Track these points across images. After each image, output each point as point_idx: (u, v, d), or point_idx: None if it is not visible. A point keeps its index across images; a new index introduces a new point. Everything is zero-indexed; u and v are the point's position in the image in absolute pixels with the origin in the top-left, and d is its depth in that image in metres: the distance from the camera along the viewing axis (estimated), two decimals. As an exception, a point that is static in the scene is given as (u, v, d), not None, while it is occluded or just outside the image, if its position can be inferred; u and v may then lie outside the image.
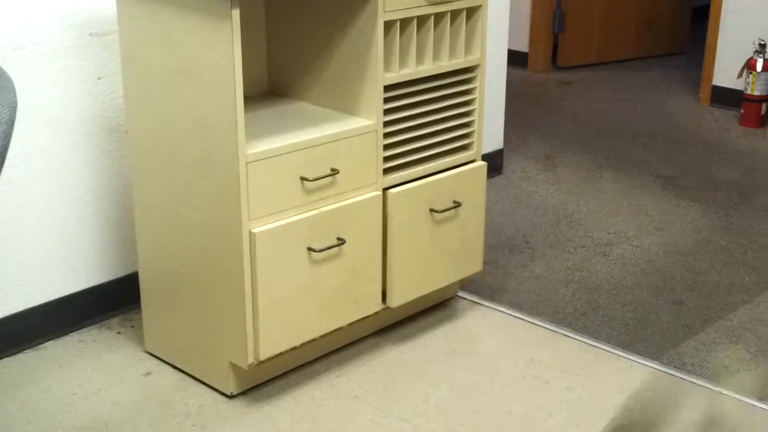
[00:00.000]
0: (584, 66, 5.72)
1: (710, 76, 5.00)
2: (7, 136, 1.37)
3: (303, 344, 2.42)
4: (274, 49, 2.64)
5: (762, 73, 4.60)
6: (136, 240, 2.54)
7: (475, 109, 2.68)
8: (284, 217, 2.27)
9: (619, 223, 3.55)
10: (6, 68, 2.45)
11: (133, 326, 2.73)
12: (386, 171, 2.49)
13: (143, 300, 2.57)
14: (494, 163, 3.91)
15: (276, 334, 2.32)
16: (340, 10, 2.41)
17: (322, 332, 2.44)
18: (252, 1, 2.56)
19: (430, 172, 2.60)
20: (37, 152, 2.56)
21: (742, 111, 4.71)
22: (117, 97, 2.65)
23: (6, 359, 2.57)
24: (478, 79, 2.66)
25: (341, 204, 2.38)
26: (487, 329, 2.78)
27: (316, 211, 2.33)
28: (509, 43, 3.92)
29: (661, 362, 2.61)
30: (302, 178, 2.28)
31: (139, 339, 2.64)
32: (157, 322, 2.54)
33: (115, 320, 2.77)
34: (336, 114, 2.48)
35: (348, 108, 2.48)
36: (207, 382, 2.45)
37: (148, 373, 2.52)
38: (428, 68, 2.53)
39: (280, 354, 2.37)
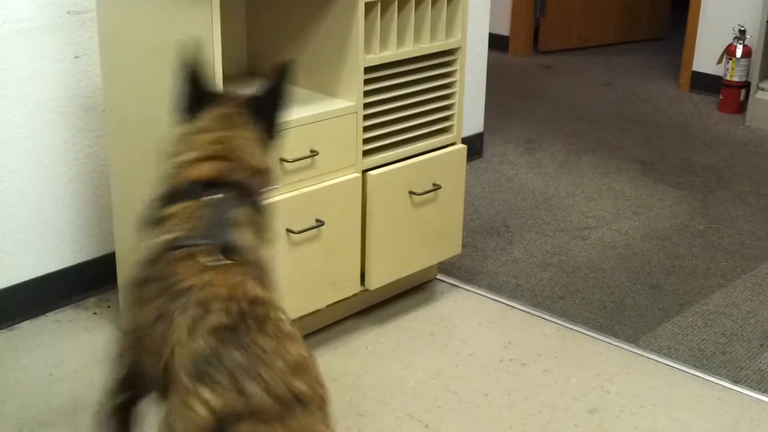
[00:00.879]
0: (565, 50, 5.72)
1: (690, 62, 5.01)
2: None
3: (281, 326, 2.41)
4: (253, 29, 2.62)
5: (741, 60, 4.62)
6: (113, 220, 2.52)
7: (455, 92, 2.67)
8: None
9: (597, 207, 3.56)
10: (-19, 45, 2.42)
11: (109, 306, 2.72)
12: (366, 153, 2.48)
13: (120, 280, 2.55)
14: (474, 146, 3.91)
15: (254, 316, 2.31)
16: (321, -9, 2.40)
17: (301, 314, 2.44)
18: (232, -20, 2.54)
19: (410, 154, 2.60)
20: (13, 131, 2.53)
21: (721, 97, 4.73)
22: (94, 76, 2.62)
23: (-19, 339, 2.56)
24: (458, 62, 2.65)
25: (320, 185, 2.37)
26: (465, 312, 2.78)
27: (295, 193, 2.32)
28: (490, 26, 3.91)
29: (638, 345, 2.63)
30: (281, 159, 2.27)
31: (116, 319, 2.62)
32: (135, 302, 2.53)
33: (91, 300, 2.76)
34: (316, 95, 2.47)
35: (328, 89, 2.46)
36: (184, 363, 2.44)
37: (125, 354, 2.51)
38: (409, 50, 2.52)
39: (258, 335, 2.36)
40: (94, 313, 2.70)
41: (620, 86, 5.11)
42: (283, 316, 1.42)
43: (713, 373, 2.51)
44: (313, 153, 2.34)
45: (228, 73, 2.35)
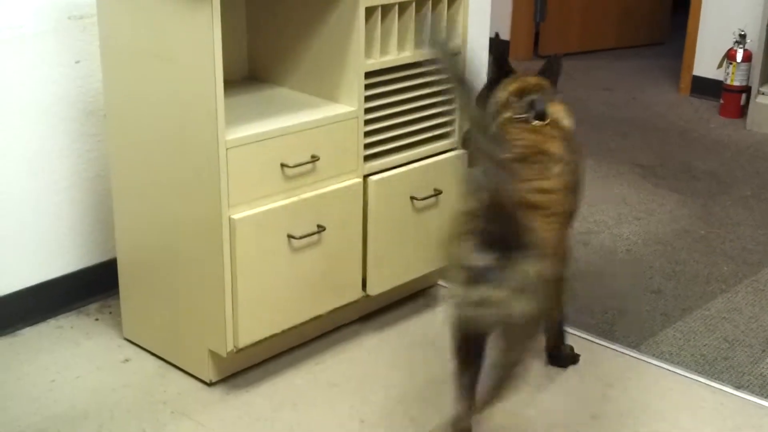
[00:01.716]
0: (565, 55, 5.71)
1: (690, 66, 5.01)
2: None
3: (282, 332, 2.41)
4: (254, 34, 2.62)
5: (742, 64, 4.62)
6: (114, 225, 2.52)
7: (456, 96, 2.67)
8: (264, 203, 2.26)
9: (598, 212, 3.56)
10: (-18, 51, 2.42)
11: (111, 313, 2.72)
12: (367, 158, 2.48)
13: (121, 286, 2.55)
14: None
15: (255, 322, 2.31)
16: (322, -4, 2.40)
17: (302, 320, 2.43)
18: (233, -14, 2.54)
19: (411, 159, 2.60)
20: (14, 136, 2.53)
21: (721, 101, 4.73)
22: (95, 81, 2.62)
23: (-18, 345, 2.56)
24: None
25: (321, 191, 2.37)
26: (466, 317, 2.78)
27: (296, 198, 2.32)
28: (491, 31, 3.90)
29: (640, 350, 2.63)
30: (282, 165, 2.27)
31: (118, 325, 2.62)
32: (136, 308, 2.53)
33: (93, 306, 2.75)
34: (317, 100, 2.47)
35: (329, 94, 2.46)
36: (186, 369, 2.44)
37: (127, 360, 2.50)
38: (410, 55, 2.52)
39: (260, 342, 2.36)
40: (96, 320, 2.70)
41: (621, 91, 5.11)
42: (555, 169, 2.07)
43: (715, 379, 2.50)
44: (314, 158, 2.33)
45: (229, 78, 2.35)
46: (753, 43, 4.60)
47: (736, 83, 4.65)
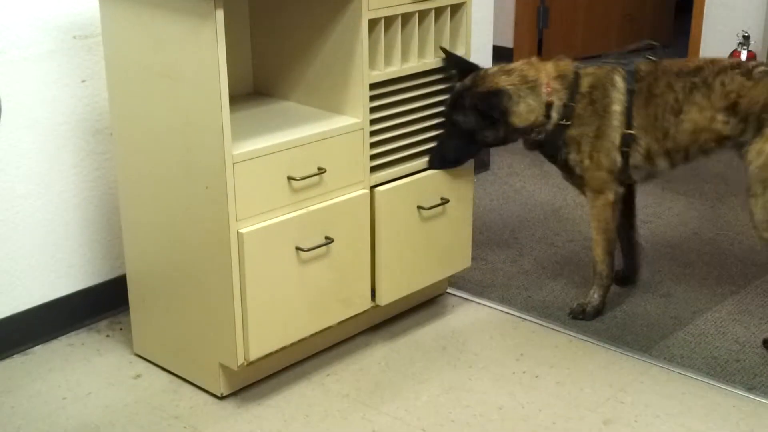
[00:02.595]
0: (569, 61, 5.72)
1: (694, 69, 5.00)
2: None
3: (293, 344, 2.42)
4: (258, 49, 2.63)
5: (746, 65, 4.61)
6: (123, 242, 2.53)
7: (460, 105, 2.68)
8: (272, 217, 2.27)
9: (606, 217, 3.55)
10: (-11, 72, 2.44)
11: (121, 329, 2.73)
12: (373, 169, 2.49)
13: (131, 302, 2.56)
14: (481, 159, 3.92)
15: (265, 335, 2.32)
16: (325, 9, 2.41)
17: (312, 331, 2.44)
18: (236, 1, 2.55)
19: (417, 169, 2.60)
20: (22, 156, 2.54)
21: (726, 103, 4.72)
22: (101, 99, 2.64)
23: (-6, 364, 2.57)
24: (463, 75, 2.66)
25: (329, 203, 2.38)
26: (476, 325, 2.78)
27: (303, 211, 2.33)
28: (494, 38, 3.92)
29: (651, 354, 2.62)
30: (289, 178, 2.28)
31: (128, 341, 2.63)
32: (146, 324, 2.54)
33: (103, 323, 2.76)
34: (322, 113, 2.48)
35: (334, 106, 2.47)
36: (197, 383, 2.44)
37: (138, 376, 2.51)
38: (414, 65, 2.53)
39: (270, 354, 2.37)
40: (107, 336, 2.71)
41: (625, 95, 5.10)
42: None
43: (727, 381, 2.50)
44: (321, 170, 2.34)
45: (234, 93, 2.36)
46: (756, 44, 4.59)
47: (741, 85, 4.64)
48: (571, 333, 2.73)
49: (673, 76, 2.61)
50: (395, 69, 2.48)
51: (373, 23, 2.39)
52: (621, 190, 2.69)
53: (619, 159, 2.62)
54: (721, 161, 4.14)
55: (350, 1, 2.34)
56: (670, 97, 2.60)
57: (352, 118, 2.42)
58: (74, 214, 2.68)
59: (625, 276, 2.99)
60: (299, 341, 2.43)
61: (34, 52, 2.51)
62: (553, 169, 4.01)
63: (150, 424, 2.30)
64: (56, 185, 2.63)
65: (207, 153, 2.17)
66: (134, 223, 2.46)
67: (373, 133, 2.47)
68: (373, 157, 2.48)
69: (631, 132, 2.59)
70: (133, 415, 2.34)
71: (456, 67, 2.61)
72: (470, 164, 2.72)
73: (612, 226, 2.70)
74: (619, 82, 2.60)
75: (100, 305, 2.77)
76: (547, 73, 2.60)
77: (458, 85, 2.59)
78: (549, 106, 2.58)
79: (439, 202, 2.64)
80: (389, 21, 2.44)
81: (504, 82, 2.57)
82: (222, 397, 2.40)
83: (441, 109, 2.63)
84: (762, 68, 2.59)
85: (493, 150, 4.06)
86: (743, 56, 4.60)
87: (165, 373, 2.51)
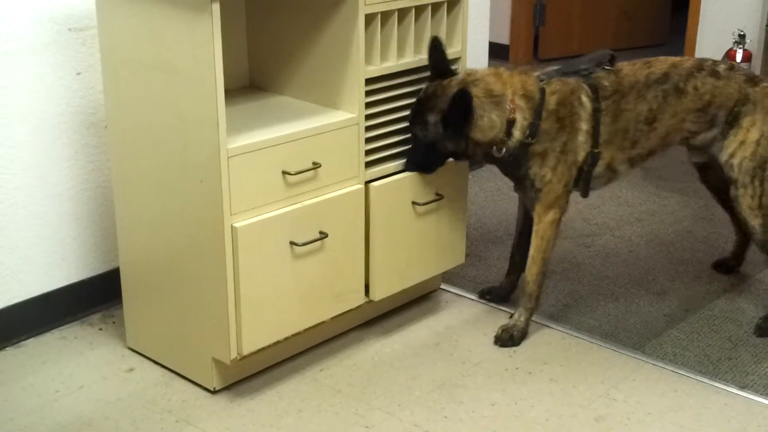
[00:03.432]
0: (565, 58, 5.72)
1: (690, 67, 5.00)
2: None
3: (286, 338, 2.42)
4: (254, 43, 2.63)
5: (742, 64, 4.62)
6: (117, 235, 2.53)
7: (456, 101, 2.68)
8: (266, 211, 2.27)
9: (600, 214, 3.56)
10: (-17, 64, 2.43)
11: (114, 322, 2.72)
12: (368, 164, 2.49)
13: (125, 296, 2.55)
14: (476, 155, 3.91)
15: (258, 329, 2.32)
16: (321, 3, 2.40)
17: (305, 326, 2.44)
18: (232, -5, 2.55)
19: (412, 165, 2.60)
20: (16, 148, 2.54)
21: (722, 102, 4.72)
22: (96, 92, 2.63)
23: (-13, 357, 2.56)
24: (459, 71, 2.65)
25: (323, 198, 2.38)
26: (470, 321, 2.78)
27: (298, 205, 2.32)
28: (490, 35, 3.92)
29: (643, 352, 2.63)
30: (284, 172, 2.28)
31: (121, 335, 2.63)
32: (139, 317, 2.53)
33: (96, 316, 2.76)
34: (317, 107, 2.47)
35: (329, 101, 2.47)
36: (190, 377, 2.44)
37: (131, 369, 2.51)
38: (410, 61, 2.53)
39: (263, 349, 2.37)
40: (100, 329, 2.70)
41: (621, 93, 5.11)
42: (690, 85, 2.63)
43: (719, 379, 2.50)
44: (316, 165, 2.34)
45: (230, 87, 2.36)
46: (752, 43, 4.60)
47: (736, 83, 4.65)
48: (564, 330, 2.73)
49: (643, 87, 2.59)
50: (391, 64, 2.48)
51: (369, 18, 2.38)
52: (567, 208, 2.64)
53: (574, 173, 2.58)
54: (715, 160, 4.14)
55: (346, -4, 2.34)
56: (643, 108, 2.59)
57: (348, 113, 2.42)
58: (68, 207, 2.68)
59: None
60: (292, 336, 2.43)
61: (29, 44, 2.50)
62: (547, 166, 4.02)
63: (142, 418, 2.30)
64: (50, 178, 2.62)
65: (202, 147, 2.17)
66: (128, 217, 2.45)
67: (368, 129, 2.47)
68: (368, 153, 2.48)
69: (597, 150, 2.57)
70: (125, 409, 2.34)
71: (434, 65, 2.52)
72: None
73: (552, 245, 2.62)
74: (586, 101, 2.55)
75: (93, 298, 2.77)
76: (513, 88, 2.49)
77: (426, 87, 2.51)
78: (511, 123, 2.48)
79: (434, 198, 2.64)
80: (386, 16, 2.44)
81: None
82: (215, 392, 2.40)
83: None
84: (724, 66, 2.68)
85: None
86: (739, 55, 4.61)
87: (158, 367, 2.50)
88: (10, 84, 2.48)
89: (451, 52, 2.62)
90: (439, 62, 2.52)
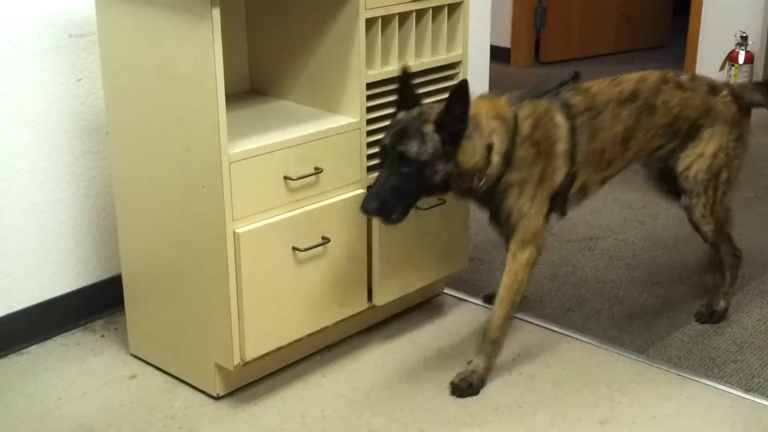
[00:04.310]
0: (566, 61, 5.73)
1: (692, 69, 5.00)
2: None
3: (289, 344, 2.41)
4: (255, 48, 2.63)
5: (744, 65, 4.62)
6: (118, 242, 2.52)
7: (458, 105, 2.67)
8: (268, 216, 2.26)
9: (603, 217, 3.55)
10: (-16, 70, 2.43)
11: (117, 329, 2.72)
12: (370, 169, 2.48)
13: (127, 302, 2.55)
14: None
15: (261, 335, 2.31)
16: (322, 8, 2.40)
17: (308, 332, 2.43)
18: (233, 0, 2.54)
19: (414, 169, 2.59)
20: (17, 155, 2.53)
21: (724, 103, 4.71)
22: (97, 98, 2.63)
23: (-11, 364, 2.56)
24: (460, 75, 2.65)
25: (325, 203, 2.37)
26: (473, 326, 2.77)
27: (300, 210, 2.32)
28: (491, 38, 3.91)
29: (648, 355, 2.62)
30: (286, 177, 2.27)
31: (124, 342, 2.62)
32: (142, 324, 2.53)
33: (98, 323, 2.75)
34: (319, 112, 2.47)
35: (330, 106, 2.47)
36: (193, 383, 2.43)
37: (133, 376, 2.50)
38: (411, 65, 2.52)
39: (266, 354, 2.36)
40: (102, 336, 2.70)
41: (623, 95, 5.10)
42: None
43: (724, 382, 2.49)
44: (318, 170, 2.34)
45: (230, 92, 2.35)
46: (755, 44, 4.59)
47: (739, 85, 4.64)
48: (568, 333, 2.73)
49: (616, 106, 2.51)
50: (392, 68, 2.47)
51: (370, 22, 2.38)
52: (545, 246, 2.52)
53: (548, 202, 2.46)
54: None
55: (347, 1, 2.34)
56: (618, 129, 2.52)
57: (349, 118, 2.42)
58: (69, 214, 2.67)
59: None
60: (295, 341, 2.42)
61: (30, 51, 2.50)
62: (550, 169, 4.01)
63: (145, 425, 2.30)
64: (51, 184, 2.62)
65: (203, 152, 2.17)
66: (130, 223, 2.45)
67: (369, 133, 2.46)
68: (369, 157, 2.47)
69: (575, 170, 2.47)
70: (128, 416, 2.33)
71: (405, 97, 2.32)
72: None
73: (525, 288, 2.45)
74: (561, 120, 2.42)
75: (95, 305, 2.76)
76: (486, 110, 2.33)
77: (401, 114, 2.29)
78: (489, 147, 2.31)
79: (437, 202, 2.63)
80: (386, 20, 2.43)
81: None
82: (218, 398, 2.39)
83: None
84: (685, 76, 2.65)
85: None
86: (741, 57, 4.60)
87: (160, 374, 2.50)
88: (11, 90, 2.48)
89: (452, 56, 2.62)
90: (410, 95, 2.33)
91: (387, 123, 2.50)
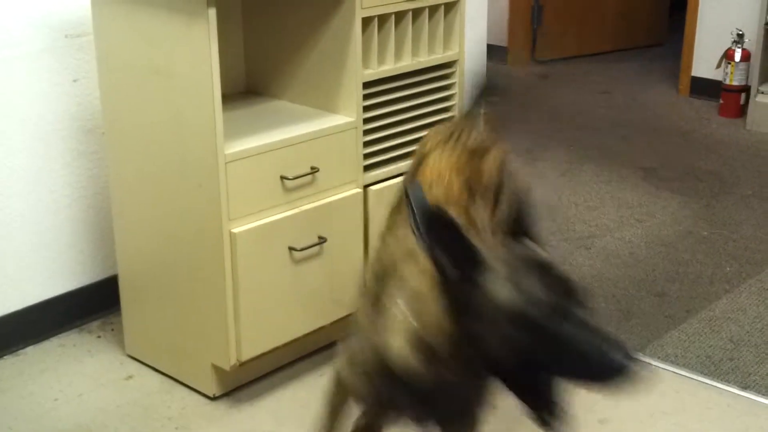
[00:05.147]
0: (563, 59, 5.73)
1: (689, 67, 5.01)
2: None
3: (285, 344, 2.40)
4: (251, 47, 2.62)
5: (740, 63, 4.62)
6: (114, 242, 2.52)
7: (455, 104, 2.67)
8: (264, 216, 2.26)
9: (600, 215, 3.55)
10: (-21, 71, 2.42)
11: (113, 330, 2.71)
12: (367, 168, 2.48)
13: (123, 303, 2.55)
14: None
15: (258, 335, 2.31)
16: (318, 7, 2.40)
17: (305, 332, 2.43)
18: None
19: (411, 168, 2.59)
20: (13, 155, 2.53)
21: (721, 101, 4.73)
22: (93, 98, 2.62)
23: (-14, 365, 2.55)
24: (457, 74, 2.65)
25: (322, 202, 2.37)
26: (470, 325, 2.77)
27: (296, 210, 2.31)
28: (488, 37, 3.91)
29: (645, 353, 2.62)
30: (282, 177, 2.27)
31: (120, 342, 2.62)
32: (138, 325, 2.52)
33: (95, 324, 2.75)
34: (315, 111, 2.47)
35: (327, 105, 2.46)
36: (189, 384, 2.43)
37: (130, 377, 2.50)
38: (407, 64, 2.52)
39: (263, 355, 2.36)
40: (98, 337, 2.69)
41: (619, 93, 5.11)
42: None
43: (722, 380, 2.49)
44: (314, 170, 2.33)
45: (227, 92, 2.35)
46: (751, 42, 4.60)
47: (735, 83, 4.65)
48: (565, 332, 2.72)
49: None
50: (389, 68, 2.47)
51: (366, 21, 2.38)
52: None
53: None
54: (714, 159, 4.15)
55: (343, 0, 2.33)
56: None
57: (346, 117, 2.41)
58: (65, 214, 2.67)
59: None
60: (292, 341, 2.42)
61: (26, 51, 2.49)
62: (547, 168, 4.02)
63: (142, 426, 2.29)
64: (47, 185, 2.61)
65: (199, 152, 2.16)
66: (126, 223, 2.44)
67: (366, 132, 2.46)
68: (366, 156, 2.47)
69: None
70: (125, 416, 2.33)
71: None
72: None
73: None
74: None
75: (91, 306, 2.76)
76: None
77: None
78: None
79: (433, 201, 2.62)
80: (383, 19, 2.43)
81: None
82: (214, 398, 2.39)
83: (436, 107, 2.61)
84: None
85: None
86: (737, 55, 4.60)
87: (157, 374, 2.49)
88: (7, 91, 2.47)
89: (448, 55, 2.61)
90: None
91: (384, 122, 2.50)
